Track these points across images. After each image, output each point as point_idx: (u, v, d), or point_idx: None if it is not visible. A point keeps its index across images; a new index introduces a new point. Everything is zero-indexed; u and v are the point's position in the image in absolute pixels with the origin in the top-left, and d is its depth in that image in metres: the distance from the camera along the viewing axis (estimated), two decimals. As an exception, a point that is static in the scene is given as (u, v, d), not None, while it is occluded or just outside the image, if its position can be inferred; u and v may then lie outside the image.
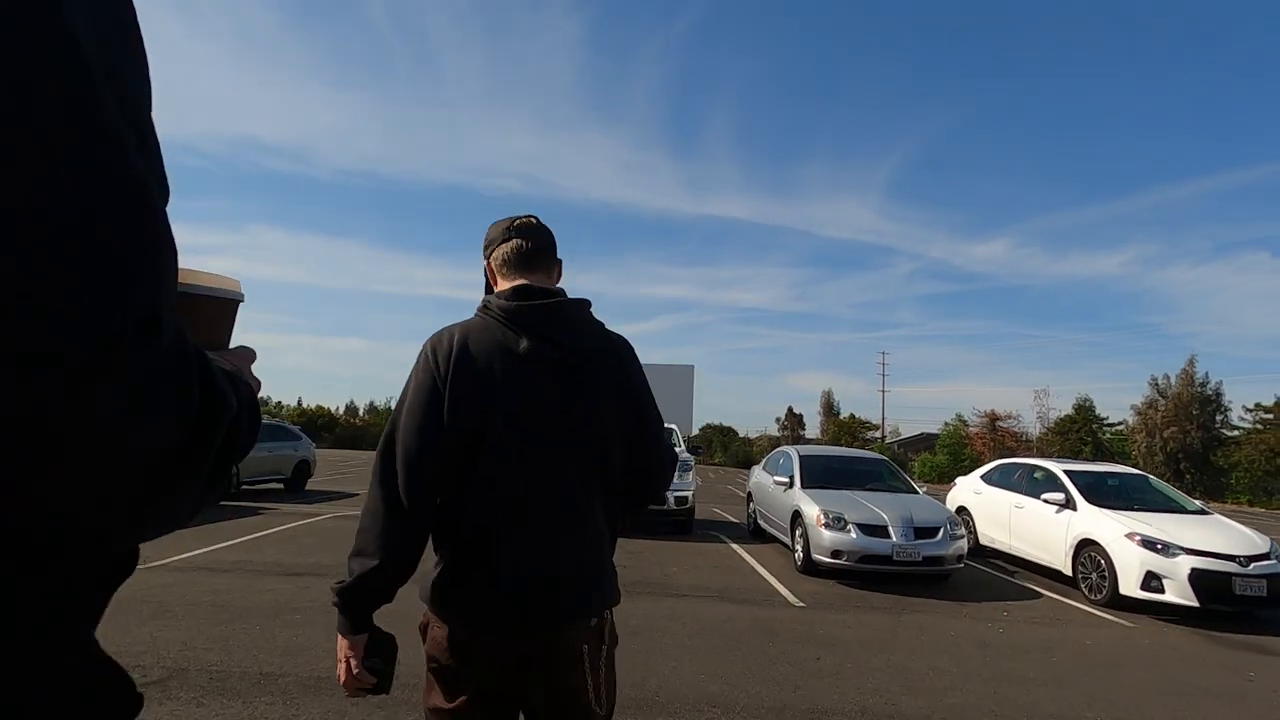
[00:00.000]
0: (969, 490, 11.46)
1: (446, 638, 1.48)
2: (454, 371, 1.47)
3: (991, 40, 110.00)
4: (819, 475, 10.02)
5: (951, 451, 44.94)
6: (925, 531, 8.33)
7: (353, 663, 1.44)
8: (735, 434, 71.11)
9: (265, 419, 17.14)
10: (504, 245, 1.64)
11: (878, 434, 59.54)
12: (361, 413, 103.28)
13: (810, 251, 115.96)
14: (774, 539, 10.94)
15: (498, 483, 1.46)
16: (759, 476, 12.08)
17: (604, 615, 1.56)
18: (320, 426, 74.98)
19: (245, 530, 10.08)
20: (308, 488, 17.44)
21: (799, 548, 9.05)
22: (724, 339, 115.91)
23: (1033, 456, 14.33)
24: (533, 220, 1.67)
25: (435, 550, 1.54)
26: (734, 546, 10.86)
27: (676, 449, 12.66)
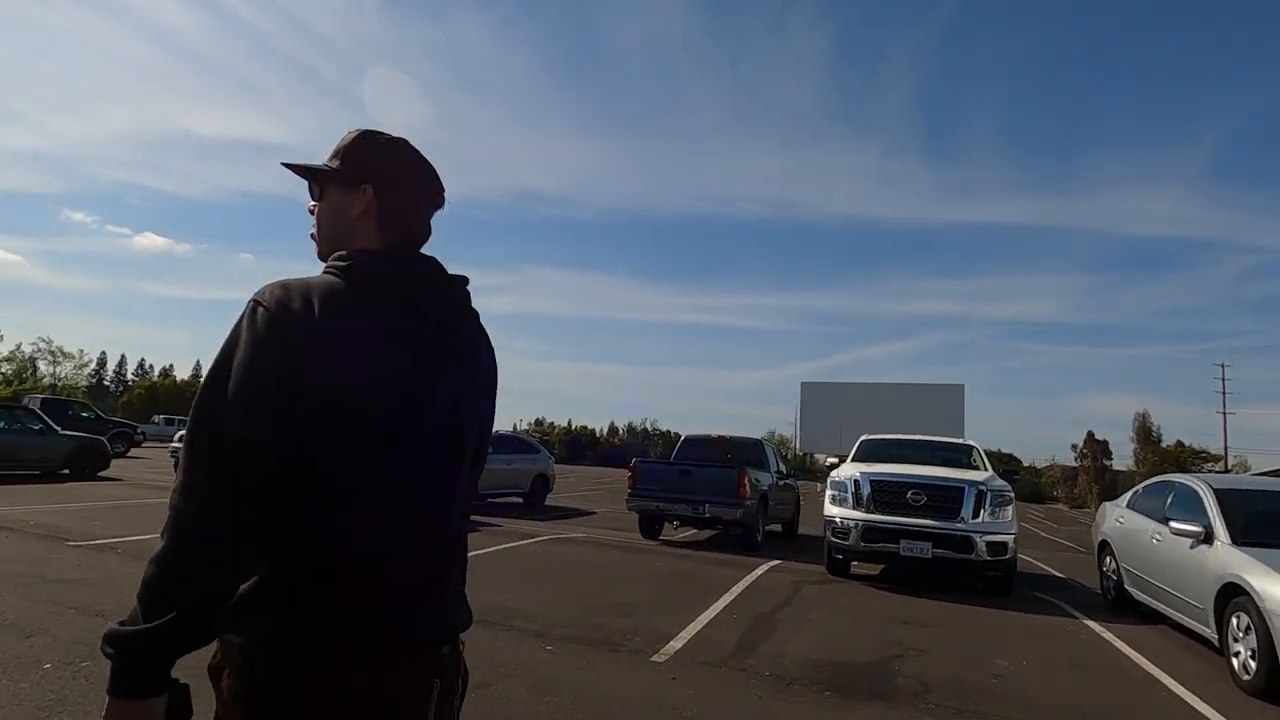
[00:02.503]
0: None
1: (315, 682, 1.05)
2: (314, 349, 1.07)
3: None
4: (1262, 525, 5.92)
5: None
6: None
7: None
8: (1018, 462, 61.19)
9: (507, 431, 16.37)
10: (411, 176, 1.28)
11: (1216, 465, 47.00)
12: (621, 433, 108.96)
13: (1099, 254, 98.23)
14: (1159, 616, 6.93)
15: (385, 485, 1.12)
16: (1125, 518, 8.03)
17: (458, 643, 1.24)
18: (584, 445, 79.34)
19: (449, 550, 8.59)
20: (546, 502, 16.41)
21: (1243, 649, 5.16)
22: (994, 357, 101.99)
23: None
24: (426, 159, 1.32)
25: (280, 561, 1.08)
26: (1090, 624, 7.02)
27: (981, 473, 9.25)
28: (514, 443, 15.84)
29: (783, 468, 13.40)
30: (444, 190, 1.32)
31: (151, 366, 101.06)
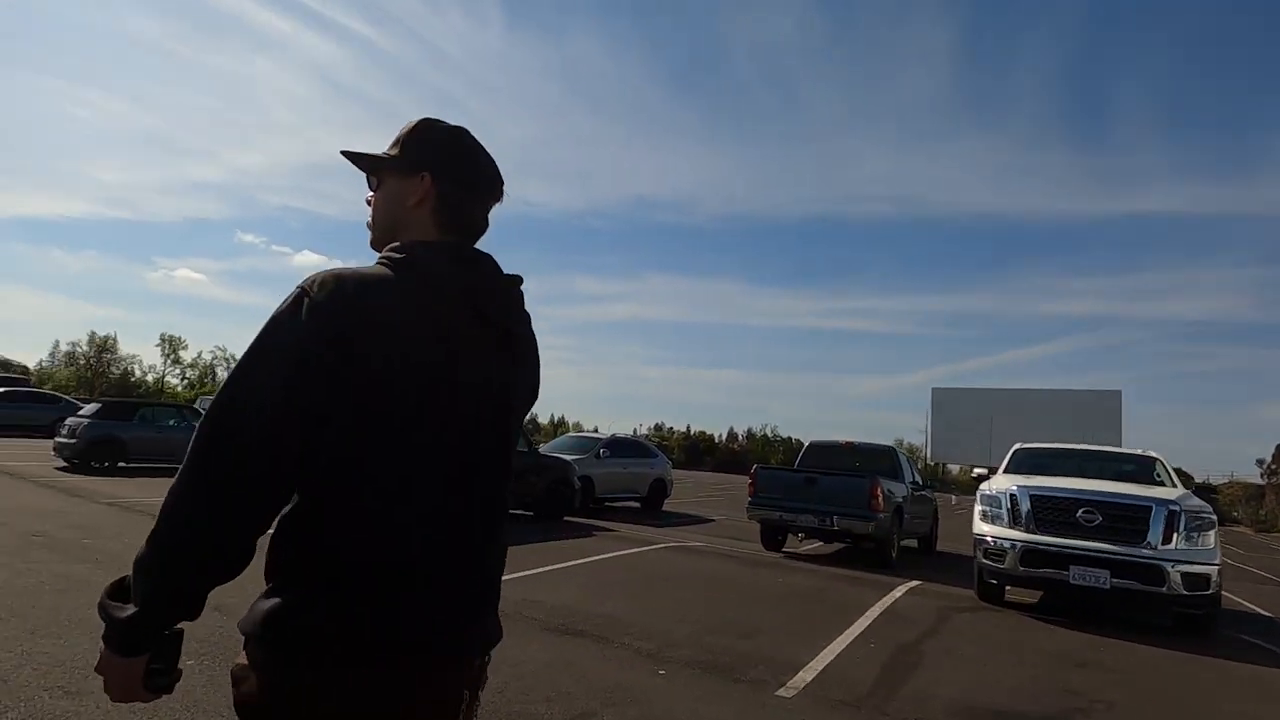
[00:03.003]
0: None
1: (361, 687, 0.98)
2: (363, 339, 1.01)
3: None
4: None
5: None
6: None
7: (130, 685, 1.00)
8: (1188, 478, 54.27)
9: (624, 435, 16.14)
10: (471, 165, 1.23)
11: None
12: (740, 439, 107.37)
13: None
14: None
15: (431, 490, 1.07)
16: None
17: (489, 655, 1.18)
18: (703, 451, 78.65)
19: (568, 554, 8.33)
20: (664, 508, 16.01)
21: None
22: (1154, 361, 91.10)
23: None
24: (485, 149, 1.27)
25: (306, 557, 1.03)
26: (1326, 681, 5.66)
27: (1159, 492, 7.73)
28: (632, 446, 15.57)
29: (918, 477, 12.26)
30: (503, 182, 1.26)
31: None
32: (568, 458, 12.65)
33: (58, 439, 13.62)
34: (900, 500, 10.25)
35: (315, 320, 0.99)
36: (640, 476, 15.14)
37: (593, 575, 7.31)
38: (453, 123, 1.24)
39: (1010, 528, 7.18)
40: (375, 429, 1.02)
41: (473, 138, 1.24)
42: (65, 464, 13.27)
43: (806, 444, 11.90)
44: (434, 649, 1.03)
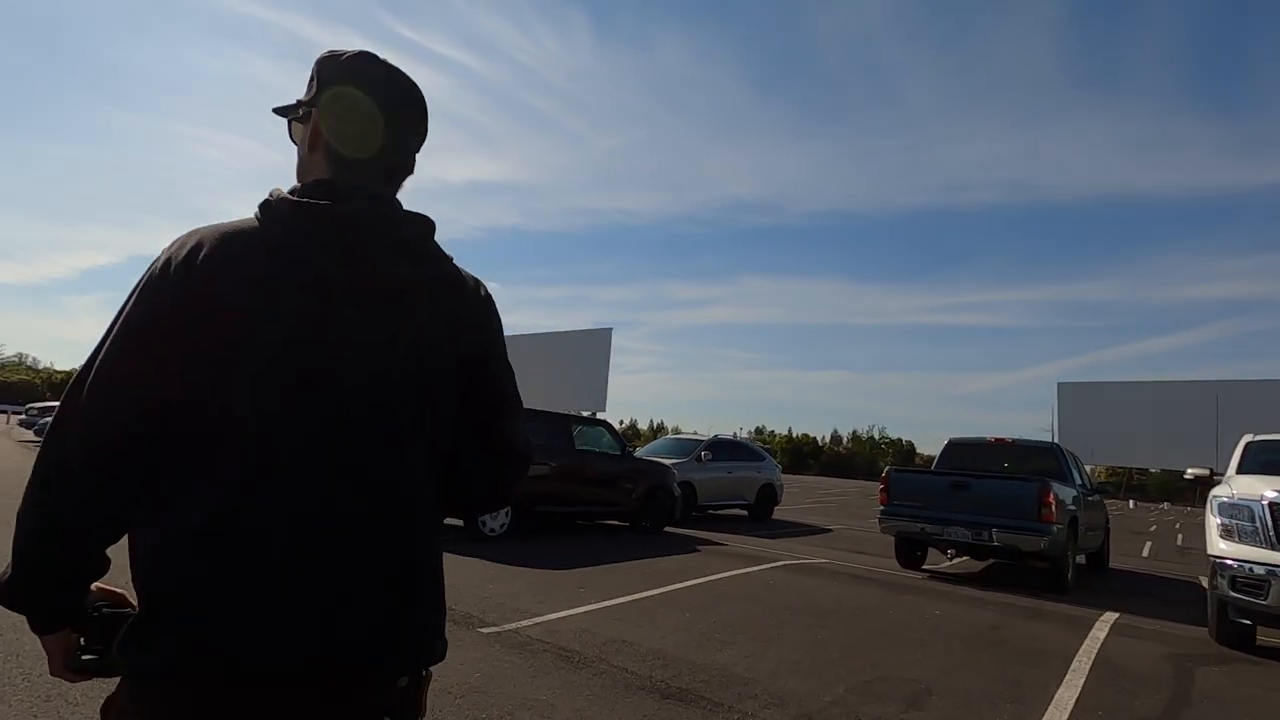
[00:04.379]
0: None
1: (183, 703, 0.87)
2: (198, 300, 0.89)
3: None
4: None
5: None
6: None
7: (54, 663, 0.96)
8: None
9: (727, 436, 14.64)
10: (357, 95, 1.03)
11: None
12: (845, 441, 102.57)
13: None
14: None
15: (269, 475, 0.90)
16: None
17: (421, 674, 1.00)
18: (807, 454, 75.54)
19: (667, 576, 6.94)
20: (774, 516, 14.36)
21: None
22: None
23: None
24: (404, 76, 1.07)
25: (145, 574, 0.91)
26: None
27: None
28: (737, 449, 14.00)
29: (1087, 480, 10.07)
30: (412, 110, 1.07)
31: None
32: (666, 462, 11.26)
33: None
34: (1073, 509, 8.22)
35: (156, 280, 0.91)
36: (747, 482, 13.57)
37: (699, 605, 5.85)
38: (386, 60, 1.06)
39: (1273, 549, 5.17)
40: (222, 400, 0.88)
41: (365, 62, 1.03)
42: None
43: (946, 443, 9.96)
44: (255, 666, 0.86)
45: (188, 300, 0.88)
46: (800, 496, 24.33)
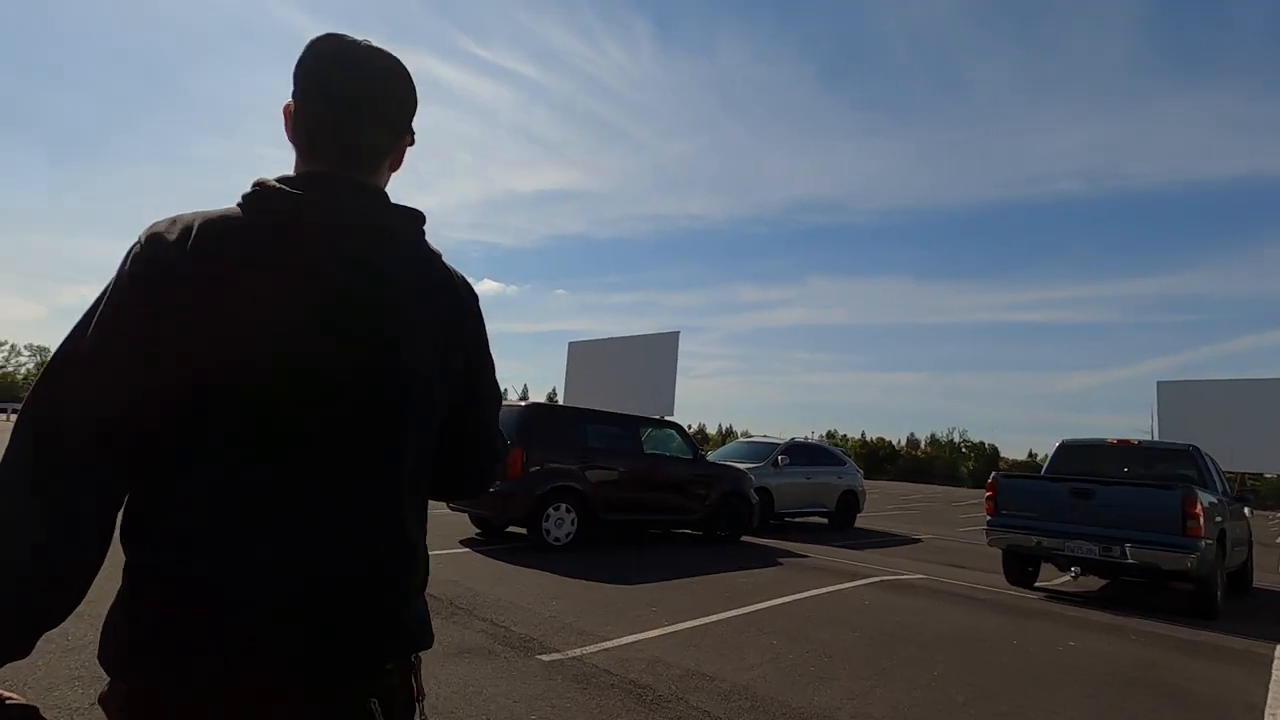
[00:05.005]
0: None
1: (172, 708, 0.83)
2: (190, 288, 0.85)
3: None
4: None
5: None
6: None
7: None
8: None
9: (801, 439, 13.77)
10: (325, 77, 0.97)
11: None
12: (923, 445, 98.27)
13: None
14: None
15: (249, 469, 0.86)
16: None
17: (409, 660, 0.98)
18: (882, 458, 72.74)
19: (747, 593, 6.23)
20: (856, 524, 13.38)
21: None
22: None
23: None
24: (383, 55, 0.99)
25: (136, 569, 0.87)
26: None
27: None
28: (816, 452, 13.09)
29: (1227, 487, 8.75)
30: (391, 94, 1.00)
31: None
32: (741, 466, 10.51)
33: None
34: (1220, 520, 7.05)
35: (135, 272, 0.86)
36: (827, 487, 12.64)
37: (787, 630, 5.12)
38: (395, 55, 1.01)
39: None
40: (189, 397, 0.84)
41: (337, 45, 0.96)
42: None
43: (1057, 445, 8.84)
44: (249, 662, 0.83)
45: (174, 284, 0.85)
46: (880, 503, 23.03)
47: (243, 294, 0.85)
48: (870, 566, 8.39)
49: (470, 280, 1.11)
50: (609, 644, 4.39)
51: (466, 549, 7.51)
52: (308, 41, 0.96)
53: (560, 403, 16.69)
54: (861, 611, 5.89)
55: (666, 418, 10.87)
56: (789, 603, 5.97)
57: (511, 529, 8.49)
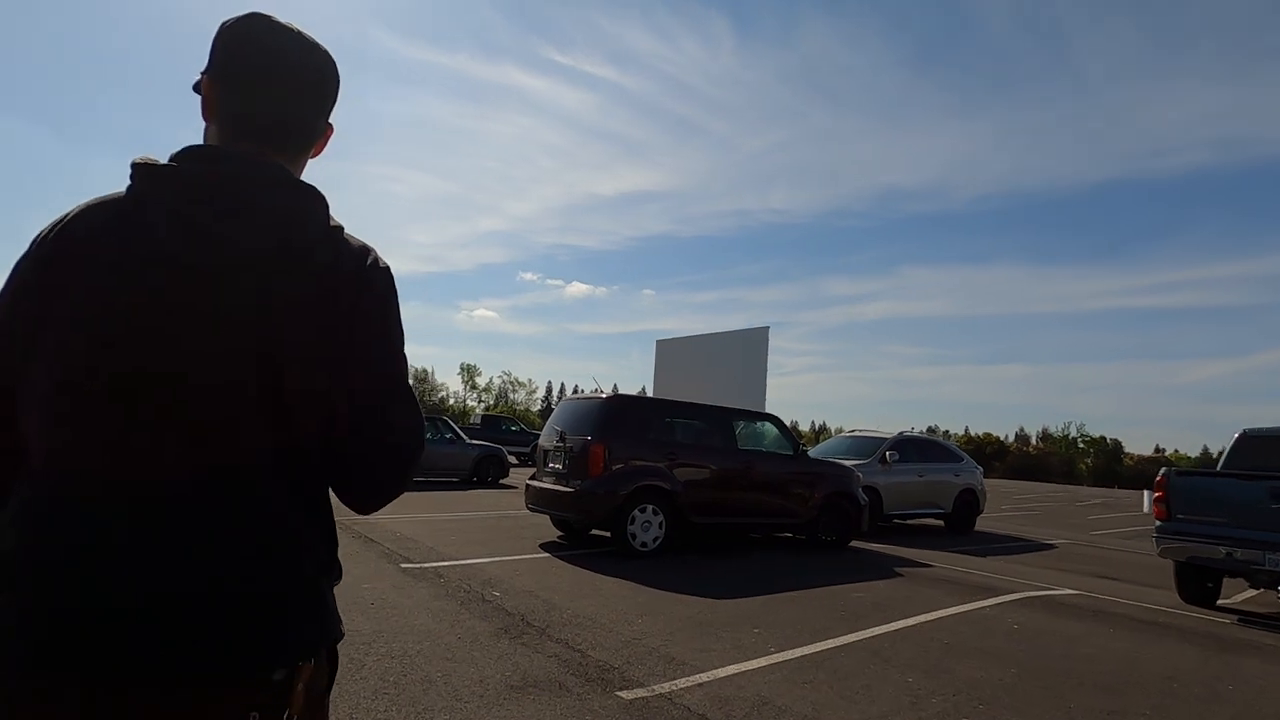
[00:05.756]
0: None
1: None
2: (44, 272, 0.89)
3: None
4: None
5: None
6: None
7: None
8: None
9: (908, 432, 12.47)
10: (235, 54, 0.97)
11: None
12: (1034, 440, 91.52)
13: None
14: None
15: (79, 456, 0.84)
16: None
17: (297, 666, 0.88)
18: (989, 455, 68.21)
19: (865, 613, 5.29)
20: (976, 527, 11.99)
21: None
22: None
23: None
24: (299, 36, 0.99)
25: None
26: None
27: None
28: (929, 448, 11.80)
29: None
30: (302, 72, 0.99)
31: (579, 390, 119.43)
32: (847, 463, 9.46)
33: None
34: None
35: (32, 248, 0.91)
36: (942, 486, 11.34)
37: (923, 663, 4.16)
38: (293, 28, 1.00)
39: None
40: (23, 378, 0.86)
41: (250, 21, 0.97)
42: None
43: (1237, 436, 7.33)
44: (105, 670, 0.79)
45: (37, 270, 0.88)
46: (994, 502, 21.07)
47: (72, 269, 0.86)
48: (1006, 579, 7.20)
49: (379, 254, 0.99)
50: (705, 676, 3.61)
51: (547, 554, 6.90)
52: (228, 20, 0.96)
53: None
54: (1012, 638, 4.83)
55: (763, 411, 9.94)
56: (919, 625, 4.98)
57: (595, 532, 7.82)
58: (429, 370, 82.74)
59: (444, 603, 4.79)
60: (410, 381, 1.01)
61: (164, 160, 0.91)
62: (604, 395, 7.59)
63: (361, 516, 6.46)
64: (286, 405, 0.88)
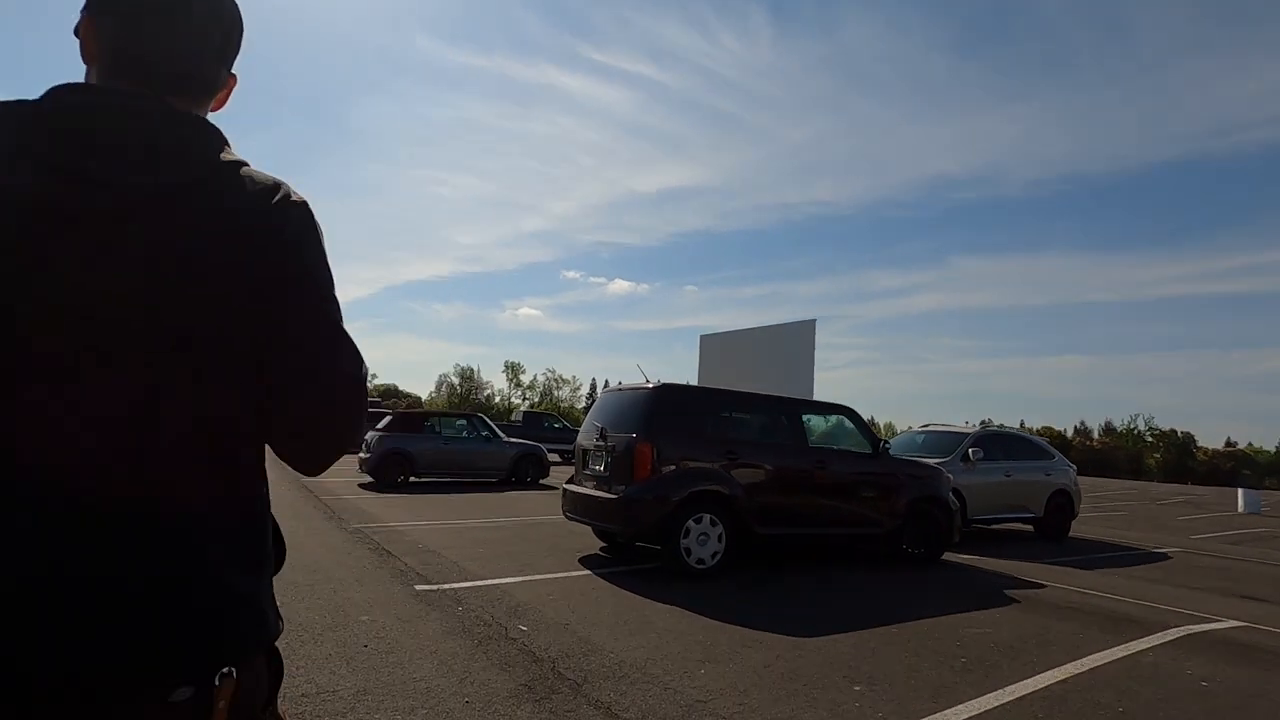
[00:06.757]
0: None
1: None
2: None
3: None
4: None
5: None
6: None
7: None
8: None
9: (988, 429, 11.05)
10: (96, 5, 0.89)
11: None
12: (1096, 434, 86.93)
13: None
14: None
15: None
16: None
17: (229, 674, 0.78)
18: (1049, 449, 64.95)
19: (993, 657, 4.12)
20: (1072, 533, 10.54)
21: None
22: None
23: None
24: None
25: None
26: None
27: None
28: (1015, 444, 10.41)
29: None
30: (194, 8, 0.88)
31: (622, 384, 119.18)
32: (930, 462, 8.19)
33: (359, 454, 13.09)
34: None
35: None
36: (1033, 487, 9.96)
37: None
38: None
39: None
40: None
41: None
42: (369, 478, 12.54)
43: None
44: None
45: None
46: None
47: None
48: (1144, 604, 5.87)
49: (292, 187, 0.89)
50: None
51: (587, 571, 5.86)
52: None
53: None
54: (1204, 702, 3.58)
55: (836, 403, 8.75)
56: (1073, 680, 3.76)
57: (643, 544, 6.75)
58: (475, 369, 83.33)
59: (457, 642, 3.79)
60: (345, 325, 0.89)
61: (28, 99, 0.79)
62: (650, 385, 6.48)
63: (382, 523, 5.22)
64: (195, 368, 0.78)
